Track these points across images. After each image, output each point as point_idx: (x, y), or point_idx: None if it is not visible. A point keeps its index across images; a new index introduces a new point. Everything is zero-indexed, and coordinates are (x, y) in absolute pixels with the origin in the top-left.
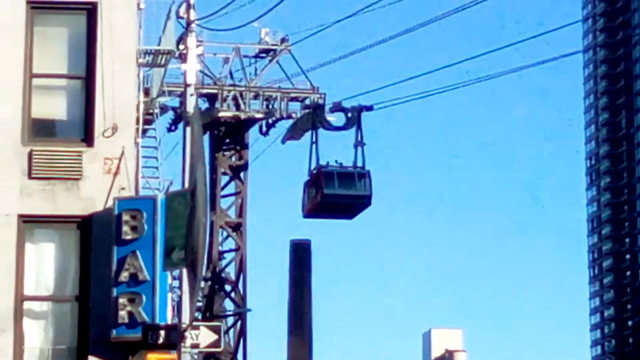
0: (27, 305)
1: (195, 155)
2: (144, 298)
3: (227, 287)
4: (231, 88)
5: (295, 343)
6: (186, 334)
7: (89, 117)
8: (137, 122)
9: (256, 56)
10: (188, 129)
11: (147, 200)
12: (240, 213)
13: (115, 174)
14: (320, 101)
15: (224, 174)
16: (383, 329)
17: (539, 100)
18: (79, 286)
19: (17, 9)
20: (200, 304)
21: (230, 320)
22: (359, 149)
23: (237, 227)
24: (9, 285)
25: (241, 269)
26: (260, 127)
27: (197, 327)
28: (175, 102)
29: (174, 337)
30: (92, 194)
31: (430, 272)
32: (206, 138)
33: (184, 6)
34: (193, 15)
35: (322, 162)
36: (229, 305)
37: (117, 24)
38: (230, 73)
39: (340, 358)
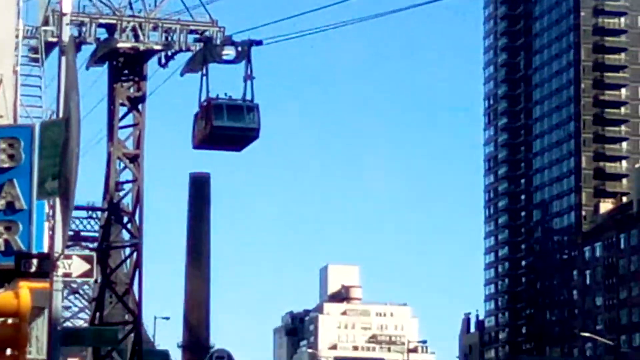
0: None
1: (69, 84)
2: (20, 226)
3: (124, 219)
4: (130, 19)
5: (194, 276)
6: (58, 263)
7: None
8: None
9: None
10: (63, 59)
11: (24, 129)
12: (138, 145)
13: None
14: (219, 34)
15: (122, 105)
16: (280, 263)
17: (438, 40)
18: None
19: None
20: (96, 234)
21: (127, 251)
22: (249, 82)
23: (135, 159)
24: None
25: (138, 200)
26: (159, 59)
27: (69, 257)
28: (74, 32)
29: (46, 266)
30: None
31: (326, 209)
32: (105, 69)
33: None
34: None
35: (212, 95)
36: (125, 236)
37: None
38: (130, 4)
39: (237, 291)
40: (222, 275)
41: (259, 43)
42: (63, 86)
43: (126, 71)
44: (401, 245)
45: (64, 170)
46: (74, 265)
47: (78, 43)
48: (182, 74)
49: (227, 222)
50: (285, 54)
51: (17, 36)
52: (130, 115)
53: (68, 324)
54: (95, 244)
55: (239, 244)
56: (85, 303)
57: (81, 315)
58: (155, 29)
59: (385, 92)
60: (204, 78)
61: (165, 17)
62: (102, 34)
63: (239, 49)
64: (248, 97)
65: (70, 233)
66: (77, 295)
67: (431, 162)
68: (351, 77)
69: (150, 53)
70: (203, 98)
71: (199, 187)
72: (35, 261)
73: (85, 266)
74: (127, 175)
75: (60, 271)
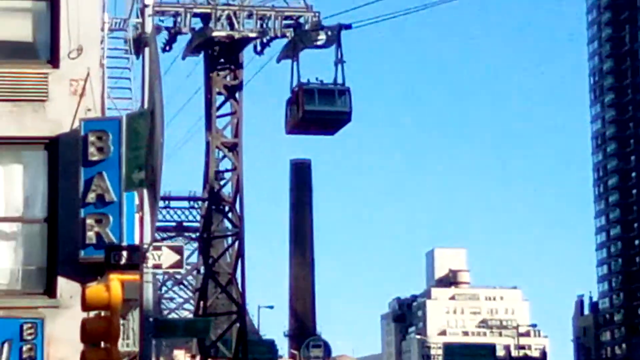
0: None
1: (152, 75)
2: (110, 219)
3: (225, 208)
4: (225, 7)
5: (298, 263)
6: (148, 254)
7: (54, 39)
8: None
9: None
10: (146, 50)
11: (112, 121)
12: (236, 133)
13: (81, 95)
14: (314, 19)
15: (219, 93)
16: (386, 248)
17: (536, 14)
18: (48, 207)
19: None
20: (197, 224)
21: (229, 240)
22: (339, 66)
23: (233, 147)
24: None
25: (238, 189)
26: (255, 47)
27: (159, 248)
28: (169, 22)
29: (136, 258)
30: (58, 116)
31: (429, 191)
32: (200, 58)
33: None
34: None
35: (304, 80)
36: (227, 225)
37: None
38: None
39: (342, 278)
40: (327, 262)
41: (348, 27)
42: (147, 77)
43: (222, 60)
44: (508, 227)
45: (150, 161)
46: (164, 256)
47: (173, 33)
48: (278, 61)
49: (329, 208)
50: (377, 37)
51: (102, 29)
52: (228, 103)
53: (174, 315)
54: (198, 234)
55: (342, 230)
56: (190, 294)
57: (186, 306)
58: (250, 16)
59: (482, 72)
60: (295, 64)
61: (260, 4)
62: (197, 23)
63: (329, 33)
64: (339, 81)
65: (173, 224)
66: (181, 286)
67: (538, 141)
68: (446, 58)
69: (245, 41)
70: (294, 84)
71: (300, 174)
72: (125, 253)
73: (175, 257)
74: (226, 164)
75: (150, 262)
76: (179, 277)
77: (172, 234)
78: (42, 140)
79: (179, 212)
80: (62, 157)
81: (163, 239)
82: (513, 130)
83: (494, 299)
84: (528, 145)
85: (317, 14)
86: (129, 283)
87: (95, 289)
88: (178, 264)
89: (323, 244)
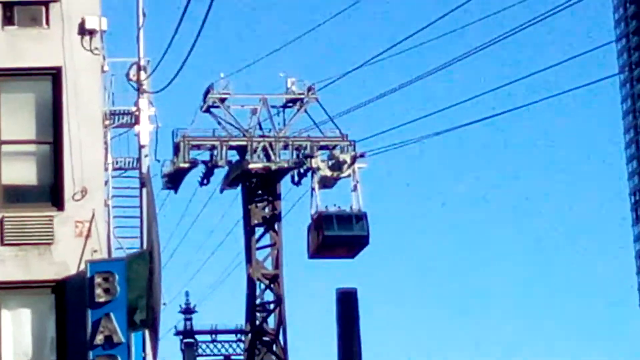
0: None
1: (150, 215)
2: None
3: (267, 339)
4: (260, 139)
5: None
6: None
7: (58, 182)
8: (106, 185)
9: (284, 106)
10: (144, 190)
11: (118, 262)
12: (277, 264)
13: (87, 236)
14: (350, 149)
15: (258, 225)
16: None
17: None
18: (57, 350)
19: None
20: (241, 357)
21: None
22: (356, 193)
23: (275, 279)
24: None
25: (281, 321)
26: (292, 177)
27: None
28: (205, 156)
29: None
30: (64, 258)
31: (498, 307)
32: (238, 190)
33: (134, 68)
34: (143, 76)
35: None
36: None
37: (82, 87)
38: (259, 124)
39: None
40: None
41: (362, 155)
42: (145, 218)
43: (260, 191)
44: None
45: (150, 301)
46: None
47: (210, 167)
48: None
49: (376, 337)
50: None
51: (106, 169)
52: (267, 235)
53: None
54: None
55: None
56: None
57: None
58: (285, 147)
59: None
60: (313, 191)
61: (295, 134)
62: (234, 156)
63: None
64: (356, 206)
65: (220, 357)
66: None
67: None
68: None
69: (282, 172)
70: (313, 210)
71: (347, 303)
72: None
73: None
74: (268, 295)
75: None
76: None
77: None
78: (49, 284)
79: (226, 345)
80: (69, 299)
81: None
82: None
83: None
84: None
85: (352, 143)
86: None
87: None
88: None
89: None
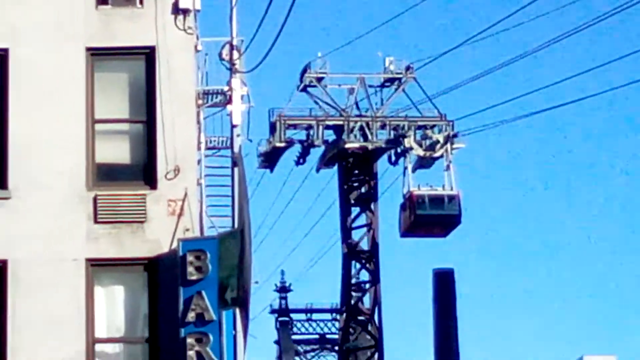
0: (99, 347)
1: (241, 195)
2: (211, 338)
3: (362, 318)
4: (357, 119)
5: None
6: None
7: (151, 161)
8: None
9: (381, 86)
10: (235, 170)
11: (210, 241)
12: (372, 244)
13: (179, 215)
14: (448, 128)
15: (354, 205)
16: (533, 354)
17: None
18: (149, 327)
19: (77, 57)
20: (336, 336)
21: (367, 353)
22: (448, 172)
23: (370, 259)
24: (81, 328)
25: (376, 301)
26: (389, 157)
27: None
28: (302, 135)
29: None
30: (157, 236)
31: (575, 294)
32: (334, 170)
33: (226, 48)
34: (235, 56)
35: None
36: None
37: (175, 67)
38: (356, 103)
39: None
40: None
41: (455, 135)
42: (237, 197)
43: (356, 171)
44: None
45: (241, 280)
46: None
47: (306, 146)
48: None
49: (473, 316)
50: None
51: (199, 148)
52: (363, 215)
53: None
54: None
55: (486, 340)
56: None
57: None
58: (383, 127)
59: None
60: (406, 170)
61: (392, 114)
62: (330, 135)
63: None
64: (448, 186)
65: (316, 336)
66: None
67: None
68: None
69: (379, 152)
70: (405, 190)
71: (444, 284)
72: None
73: None
74: (363, 275)
75: None
76: None
77: (316, 347)
78: (142, 261)
79: (321, 324)
80: (162, 277)
81: (306, 352)
82: None
83: None
84: None
85: (451, 123)
86: None
87: None
88: None
89: (467, 350)
